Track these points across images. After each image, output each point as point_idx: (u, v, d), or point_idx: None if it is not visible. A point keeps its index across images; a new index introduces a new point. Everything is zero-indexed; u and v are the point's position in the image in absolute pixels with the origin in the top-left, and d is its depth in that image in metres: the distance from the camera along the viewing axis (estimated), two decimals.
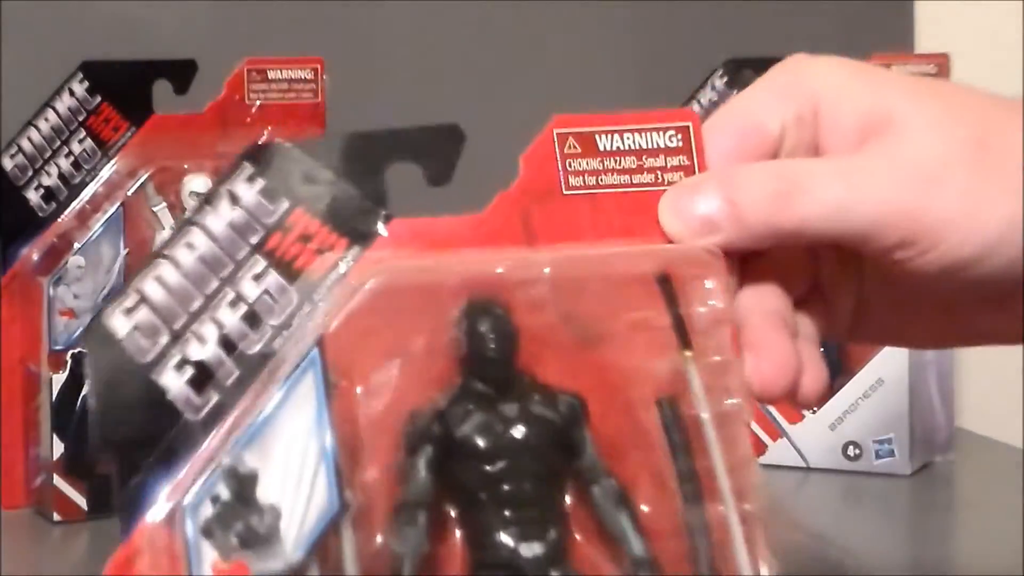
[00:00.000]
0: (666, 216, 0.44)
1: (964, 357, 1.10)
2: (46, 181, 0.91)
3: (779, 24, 1.19)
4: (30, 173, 0.91)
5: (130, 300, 0.43)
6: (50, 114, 0.91)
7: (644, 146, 0.44)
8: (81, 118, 0.91)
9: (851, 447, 0.93)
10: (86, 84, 0.91)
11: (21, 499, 0.88)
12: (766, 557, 0.42)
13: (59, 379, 0.85)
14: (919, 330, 0.50)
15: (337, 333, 0.42)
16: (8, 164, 0.91)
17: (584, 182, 0.44)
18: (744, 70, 0.99)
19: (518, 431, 0.42)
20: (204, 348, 0.43)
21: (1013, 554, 0.75)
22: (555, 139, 0.44)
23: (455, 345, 0.43)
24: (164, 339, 0.43)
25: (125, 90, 0.92)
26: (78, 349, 0.85)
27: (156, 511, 0.41)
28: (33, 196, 0.91)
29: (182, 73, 0.93)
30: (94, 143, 0.91)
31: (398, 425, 0.42)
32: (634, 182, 0.44)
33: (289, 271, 0.43)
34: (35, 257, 0.89)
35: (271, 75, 0.92)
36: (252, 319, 0.43)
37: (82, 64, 0.92)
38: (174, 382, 0.43)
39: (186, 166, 0.88)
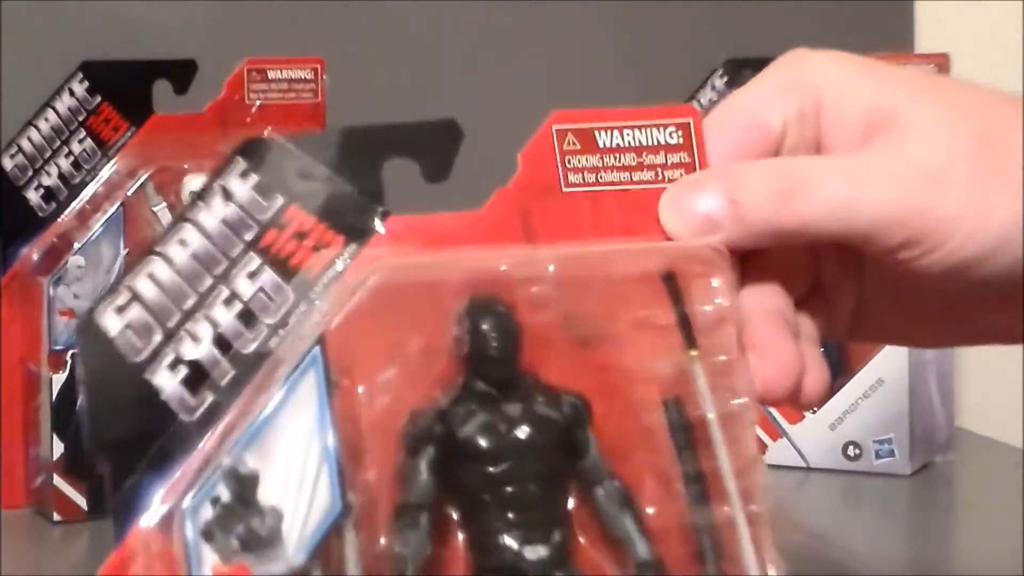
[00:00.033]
0: (666, 214, 0.44)
1: (964, 357, 1.10)
2: (46, 181, 0.90)
3: (779, 24, 1.18)
4: (30, 173, 0.91)
5: (122, 298, 0.42)
6: (50, 114, 0.91)
7: (644, 143, 0.44)
8: (81, 118, 0.91)
9: (851, 447, 0.93)
10: (86, 84, 0.91)
11: (21, 499, 0.88)
12: (773, 558, 0.41)
13: (59, 379, 0.85)
14: (920, 329, 0.50)
15: (338, 331, 0.41)
16: (8, 164, 0.90)
17: (583, 179, 0.44)
18: (744, 70, 0.99)
19: (522, 432, 0.41)
20: (198, 347, 0.42)
21: (1013, 554, 0.75)
22: (554, 135, 0.43)
23: (457, 344, 0.42)
24: (157, 338, 0.42)
25: (125, 90, 0.91)
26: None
27: (151, 515, 0.40)
28: (33, 196, 0.90)
29: (182, 73, 0.93)
30: (94, 143, 0.91)
31: (400, 425, 0.41)
32: (634, 179, 0.44)
33: (285, 269, 0.43)
34: (35, 257, 0.89)
35: (271, 75, 0.92)
36: (247, 317, 0.42)
37: (82, 64, 0.92)
38: (168, 382, 0.42)
39: (186, 166, 0.88)
